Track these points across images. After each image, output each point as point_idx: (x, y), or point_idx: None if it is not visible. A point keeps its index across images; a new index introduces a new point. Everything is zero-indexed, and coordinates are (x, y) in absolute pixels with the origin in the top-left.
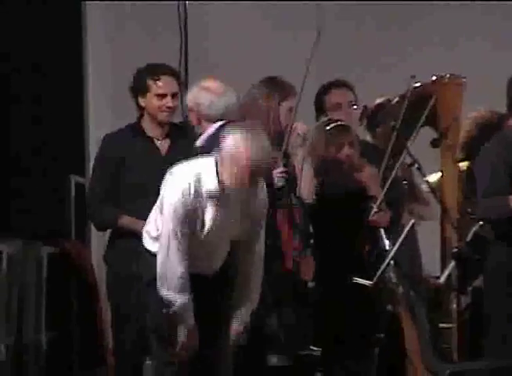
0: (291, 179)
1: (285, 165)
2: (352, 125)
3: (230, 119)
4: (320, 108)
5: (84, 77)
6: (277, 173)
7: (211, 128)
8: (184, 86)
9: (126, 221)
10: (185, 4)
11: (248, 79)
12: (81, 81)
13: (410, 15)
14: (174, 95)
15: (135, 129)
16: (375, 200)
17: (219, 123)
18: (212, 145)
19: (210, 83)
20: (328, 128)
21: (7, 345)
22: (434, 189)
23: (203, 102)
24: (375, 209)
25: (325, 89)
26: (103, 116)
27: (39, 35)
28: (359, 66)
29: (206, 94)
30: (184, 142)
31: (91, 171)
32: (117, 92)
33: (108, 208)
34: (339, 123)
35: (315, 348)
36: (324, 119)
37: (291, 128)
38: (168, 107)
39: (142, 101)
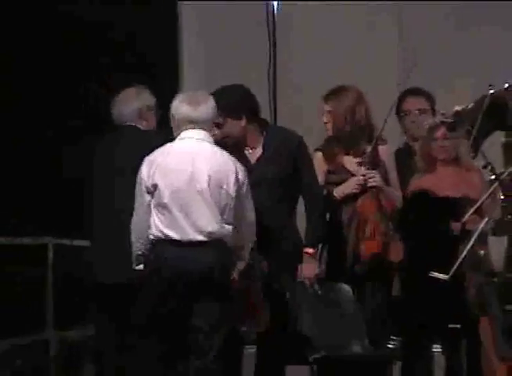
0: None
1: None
2: (421, 132)
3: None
4: (397, 112)
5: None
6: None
7: None
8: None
9: None
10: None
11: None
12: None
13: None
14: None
15: None
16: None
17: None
18: None
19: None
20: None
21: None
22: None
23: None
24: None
25: (401, 96)
26: None
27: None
28: (441, 71)
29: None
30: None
31: None
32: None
33: None
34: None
35: (394, 338)
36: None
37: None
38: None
39: None
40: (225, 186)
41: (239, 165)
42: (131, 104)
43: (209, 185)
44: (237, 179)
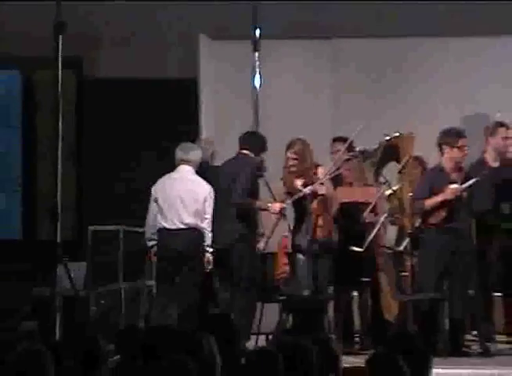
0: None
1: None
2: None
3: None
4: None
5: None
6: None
7: None
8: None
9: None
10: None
11: None
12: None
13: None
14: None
15: None
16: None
17: None
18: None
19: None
20: None
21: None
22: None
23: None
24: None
25: (332, 142)
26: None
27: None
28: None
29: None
30: None
31: None
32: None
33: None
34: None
35: (331, 286)
36: None
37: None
38: None
39: None
40: (196, 197)
41: (206, 187)
42: (211, 147)
43: (186, 195)
44: (203, 194)
